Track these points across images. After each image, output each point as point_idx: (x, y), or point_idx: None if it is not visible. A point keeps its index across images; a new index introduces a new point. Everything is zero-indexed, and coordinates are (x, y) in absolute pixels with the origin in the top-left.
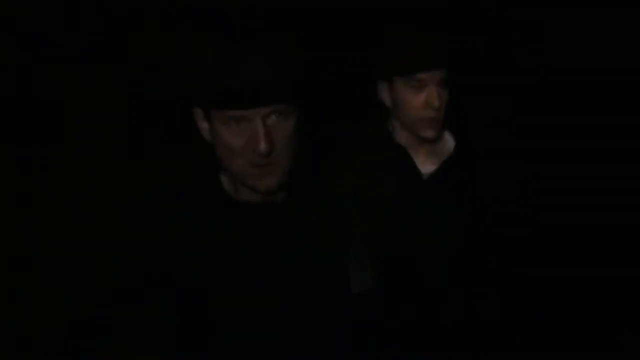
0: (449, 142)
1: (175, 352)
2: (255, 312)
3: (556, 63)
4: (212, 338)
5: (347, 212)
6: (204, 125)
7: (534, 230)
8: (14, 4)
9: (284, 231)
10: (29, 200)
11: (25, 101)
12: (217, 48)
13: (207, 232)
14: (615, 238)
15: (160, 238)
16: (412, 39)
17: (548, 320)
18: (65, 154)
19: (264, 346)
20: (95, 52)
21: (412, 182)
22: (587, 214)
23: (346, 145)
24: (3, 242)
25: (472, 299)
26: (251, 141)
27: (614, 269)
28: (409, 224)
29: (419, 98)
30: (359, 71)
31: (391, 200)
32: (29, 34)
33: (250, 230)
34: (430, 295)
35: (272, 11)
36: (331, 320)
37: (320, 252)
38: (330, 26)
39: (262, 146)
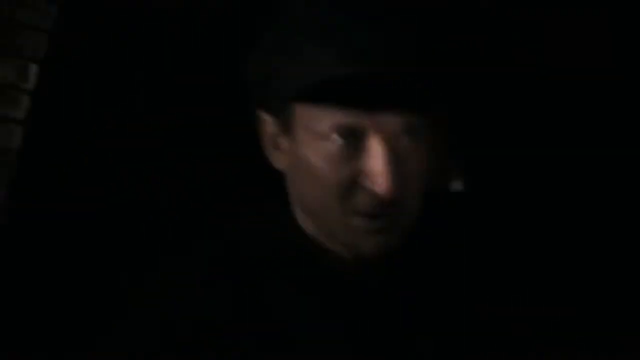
0: None
1: None
2: None
3: (556, 63)
4: None
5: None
6: (279, 143)
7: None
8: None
9: (379, 316)
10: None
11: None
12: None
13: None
14: (616, 239)
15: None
16: None
17: (547, 320)
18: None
19: None
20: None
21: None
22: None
23: None
24: None
25: None
26: (364, 173)
27: (613, 269)
28: None
29: None
30: None
31: None
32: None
33: (333, 305)
34: None
35: None
36: None
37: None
38: None
39: (384, 182)
